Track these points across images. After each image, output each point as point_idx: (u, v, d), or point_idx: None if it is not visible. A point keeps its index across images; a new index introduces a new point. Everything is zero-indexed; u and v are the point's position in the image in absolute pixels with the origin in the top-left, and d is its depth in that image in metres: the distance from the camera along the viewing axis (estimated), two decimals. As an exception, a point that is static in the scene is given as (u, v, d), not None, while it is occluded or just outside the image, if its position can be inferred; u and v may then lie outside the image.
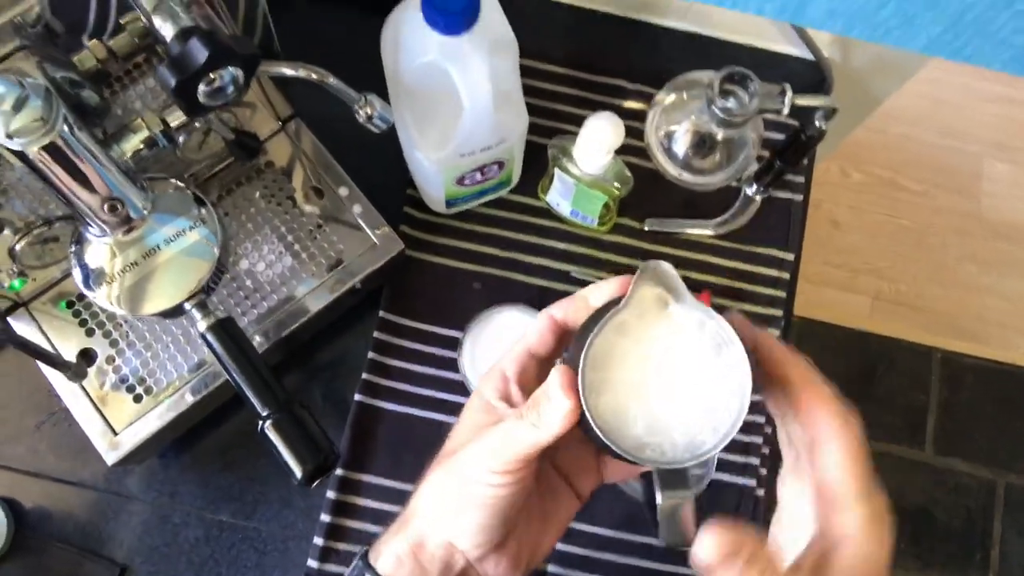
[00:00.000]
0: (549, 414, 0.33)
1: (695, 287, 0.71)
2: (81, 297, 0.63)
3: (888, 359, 1.48)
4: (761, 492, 0.67)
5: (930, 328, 1.49)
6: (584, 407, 0.32)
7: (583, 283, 0.70)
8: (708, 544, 0.31)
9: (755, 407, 0.66)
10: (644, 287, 0.33)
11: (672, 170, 0.62)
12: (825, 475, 0.34)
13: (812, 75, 0.78)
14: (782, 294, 0.71)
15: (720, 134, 0.61)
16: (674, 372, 0.33)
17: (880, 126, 1.59)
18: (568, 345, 0.39)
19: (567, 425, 0.33)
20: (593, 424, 0.32)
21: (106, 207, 0.48)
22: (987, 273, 1.55)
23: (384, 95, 0.58)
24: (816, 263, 1.52)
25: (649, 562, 0.64)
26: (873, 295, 1.52)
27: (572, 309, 0.38)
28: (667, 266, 0.34)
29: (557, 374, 0.33)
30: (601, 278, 0.70)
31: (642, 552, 0.64)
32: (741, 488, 0.66)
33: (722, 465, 0.65)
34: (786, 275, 0.72)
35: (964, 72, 1.63)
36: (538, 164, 0.71)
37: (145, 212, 0.51)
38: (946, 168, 1.59)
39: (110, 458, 0.59)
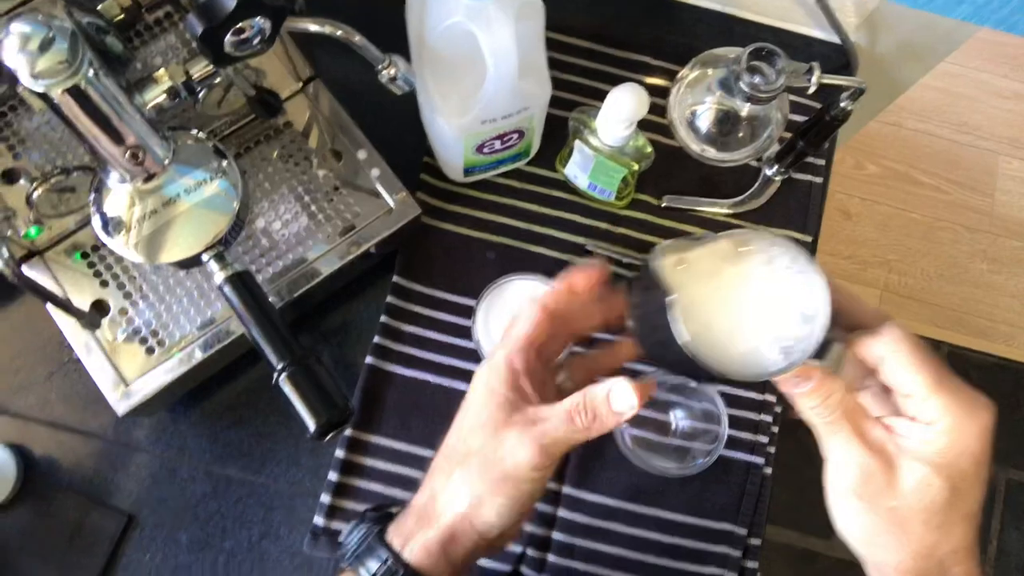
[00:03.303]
0: (607, 420, 0.39)
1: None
2: (96, 248, 0.63)
3: (894, 352, 1.48)
4: (769, 470, 0.67)
5: (938, 322, 1.49)
6: (697, 359, 0.37)
7: (598, 256, 0.70)
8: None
9: (766, 387, 0.66)
10: (719, 242, 0.39)
11: (695, 146, 0.62)
12: (895, 379, 0.38)
13: (837, 59, 0.77)
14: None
15: (745, 110, 0.60)
16: (760, 298, 0.38)
17: (896, 119, 1.58)
18: (632, 308, 0.43)
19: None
20: (713, 369, 0.37)
21: (127, 154, 0.48)
22: (997, 271, 1.55)
23: (407, 58, 0.57)
24: (826, 253, 1.52)
25: (654, 533, 0.65)
26: (882, 287, 1.52)
27: (562, 297, 0.43)
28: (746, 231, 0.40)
29: (626, 390, 0.39)
30: (616, 252, 0.70)
31: (647, 523, 0.65)
32: (749, 465, 0.67)
33: (731, 442, 0.65)
34: (801, 258, 0.71)
35: (982, 67, 1.62)
36: (557, 137, 0.71)
37: (166, 161, 0.51)
38: (961, 163, 1.58)
39: (120, 408, 0.60)
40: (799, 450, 1.50)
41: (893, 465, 0.37)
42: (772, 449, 0.67)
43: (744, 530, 0.65)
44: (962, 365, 1.49)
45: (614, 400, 0.39)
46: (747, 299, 0.39)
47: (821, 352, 0.37)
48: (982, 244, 1.56)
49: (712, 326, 0.38)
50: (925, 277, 1.54)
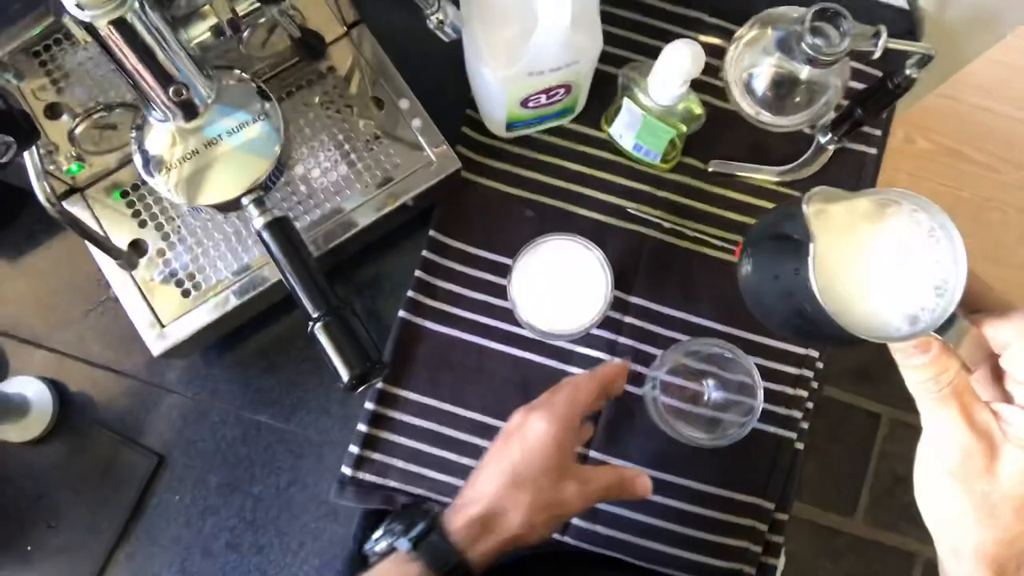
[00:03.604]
0: (628, 496, 0.52)
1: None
2: (136, 188, 0.63)
3: (931, 334, 1.45)
4: (800, 446, 0.66)
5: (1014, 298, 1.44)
6: (825, 308, 0.37)
7: (638, 220, 0.69)
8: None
9: (803, 362, 0.64)
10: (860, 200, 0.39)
11: (749, 108, 0.60)
12: (1018, 365, 0.37)
13: (900, 24, 0.73)
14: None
15: (804, 73, 0.58)
16: (895, 262, 0.38)
17: (952, 93, 1.51)
18: (752, 256, 0.44)
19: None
20: (836, 324, 0.36)
21: (171, 91, 0.47)
22: (1046, 255, 1.50)
23: (455, 5, 0.56)
24: (868, 229, 1.47)
25: (680, 502, 0.64)
26: (924, 267, 1.47)
27: (610, 379, 0.55)
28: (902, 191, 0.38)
29: (646, 480, 0.52)
30: (657, 216, 0.68)
31: (673, 492, 0.64)
32: (780, 439, 0.65)
33: (763, 415, 0.64)
34: (850, 231, 0.69)
35: (1049, 43, 1.54)
36: (602, 95, 0.69)
37: (209, 100, 0.50)
38: (1018, 142, 1.52)
39: (156, 348, 0.60)
40: (825, 427, 1.48)
41: (995, 450, 0.37)
42: (805, 425, 0.66)
43: (772, 504, 0.65)
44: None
45: (637, 487, 0.52)
46: (882, 260, 0.38)
47: (944, 325, 0.36)
48: (1032, 227, 1.51)
49: (840, 280, 0.37)
50: (970, 258, 1.50)
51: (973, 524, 0.37)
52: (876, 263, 0.38)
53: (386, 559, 0.48)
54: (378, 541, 0.50)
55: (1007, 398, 0.38)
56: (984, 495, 0.37)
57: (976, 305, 0.38)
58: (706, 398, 0.67)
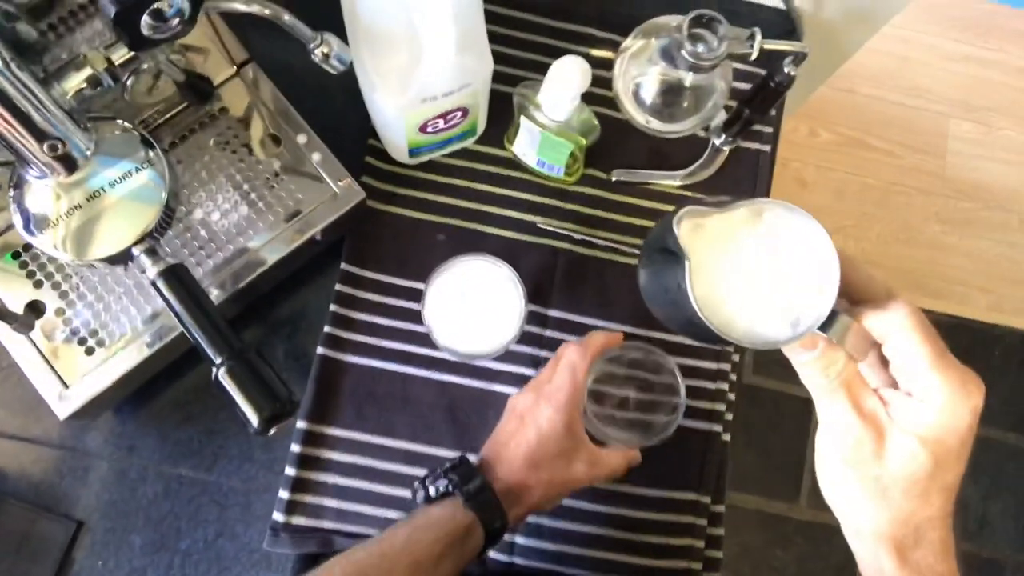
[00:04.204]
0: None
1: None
2: (28, 248, 0.61)
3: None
4: (727, 437, 0.67)
5: (894, 285, 1.50)
6: (707, 322, 0.38)
7: (549, 234, 0.69)
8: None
9: (720, 356, 0.65)
10: (737, 210, 0.39)
11: (640, 118, 0.61)
12: (898, 353, 0.38)
13: (782, 25, 0.77)
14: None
15: (688, 80, 0.59)
16: (771, 268, 0.39)
17: (848, 85, 1.59)
18: (646, 270, 0.44)
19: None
20: (722, 336, 0.38)
21: (46, 147, 0.46)
22: (950, 232, 1.57)
23: (344, 37, 0.56)
24: (783, 223, 1.52)
25: (621, 508, 0.65)
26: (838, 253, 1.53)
27: (601, 347, 0.59)
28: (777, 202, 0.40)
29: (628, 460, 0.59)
30: (567, 229, 0.69)
31: (613, 499, 0.65)
32: (707, 433, 0.67)
33: (689, 412, 0.65)
34: (753, 226, 0.71)
35: (932, 31, 1.63)
36: (505, 113, 0.69)
37: (88, 153, 0.49)
38: (913, 127, 1.60)
39: (62, 412, 0.58)
40: (761, 417, 1.50)
41: (883, 435, 0.38)
42: (730, 416, 0.68)
43: (708, 498, 0.66)
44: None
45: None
46: (758, 268, 0.39)
47: (827, 322, 0.37)
48: (935, 207, 1.58)
49: (721, 290, 0.38)
50: (881, 242, 1.56)
51: (869, 507, 0.38)
52: (755, 271, 0.39)
53: (443, 503, 0.52)
54: (434, 484, 0.53)
55: (893, 383, 0.39)
56: (876, 479, 0.38)
57: (860, 296, 0.40)
58: (633, 401, 0.67)
